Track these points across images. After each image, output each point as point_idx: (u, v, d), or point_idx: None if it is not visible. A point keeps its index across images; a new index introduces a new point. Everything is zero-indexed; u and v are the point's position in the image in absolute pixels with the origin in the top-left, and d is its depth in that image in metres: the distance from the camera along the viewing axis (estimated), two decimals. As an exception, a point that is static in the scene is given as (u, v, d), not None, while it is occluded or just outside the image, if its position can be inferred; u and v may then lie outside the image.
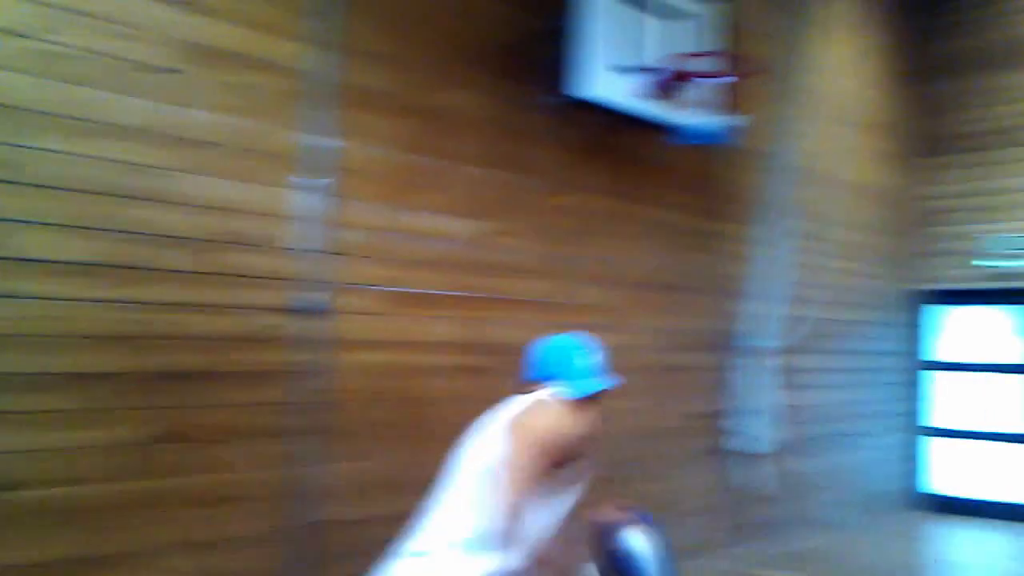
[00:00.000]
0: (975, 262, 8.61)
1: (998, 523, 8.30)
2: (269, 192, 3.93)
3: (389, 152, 4.42)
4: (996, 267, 8.44)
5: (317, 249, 4.08)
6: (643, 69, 5.35)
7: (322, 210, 4.10)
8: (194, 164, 3.69)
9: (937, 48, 8.96)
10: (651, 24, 5.45)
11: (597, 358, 3.02)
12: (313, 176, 4.07)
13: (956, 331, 9.00)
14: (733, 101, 5.68)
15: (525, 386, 3.06)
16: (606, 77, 5.19)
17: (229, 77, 3.80)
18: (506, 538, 2.61)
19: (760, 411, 6.52)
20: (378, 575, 2.87)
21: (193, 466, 3.65)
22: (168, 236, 3.60)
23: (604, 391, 2.94)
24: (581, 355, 3.01)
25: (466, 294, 4.75)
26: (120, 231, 3.49)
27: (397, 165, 4.46)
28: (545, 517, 2.80)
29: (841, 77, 7.70)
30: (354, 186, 4.26)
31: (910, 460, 8.86)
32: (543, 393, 2.90)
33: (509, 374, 4.91)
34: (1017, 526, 8.21)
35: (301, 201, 4.03)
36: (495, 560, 2.63)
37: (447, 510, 2.80)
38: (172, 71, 3.63)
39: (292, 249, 4.00)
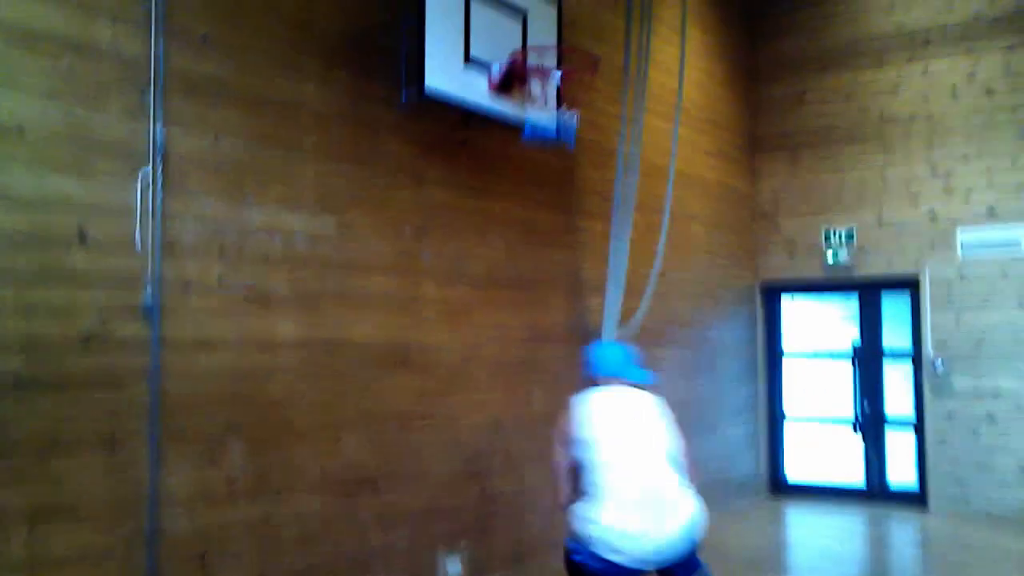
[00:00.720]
0: (816, 255, 9.04)
1: (841, 504, 8.75)
2: (93, 184, 3.67)
3: (227, 143, 4.23)
4: (832, 261, 8.89)
5: (151, 245, 3.85)
6: (488, 65, 5.34)
7: (154, 204, 3.88)
8: (9, 153, 3.41)
9: (771, 50, 9.38)
10: (497, 21, 5.44)
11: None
12: (142, 167, 3.84)
13: (798, 321, 9.44)
14: (576, 98, 5.74)
15: (603, 380, 4.25)
16: (454, 72, 5.15)
17: (45, 60, 3.54)
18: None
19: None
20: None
21: (15, 480, 3.37)
22: (-20, 232, 3.33)
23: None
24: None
25: (311, 291, 4.60)
26: (-76, 226, 3.19)
27: (236, 157, 4.27)
28: None
29: (688, 77, 7.93)
30: (188, 179, 4.05)
31: (763, 446, 9.21)
32: (643, 390, 4.22)
33: (357, 372, 4.81)
34: (856, 506, 8.67)
35: (130, 194, 3.80)
36: None
37: (664, 465, 4.03)
38: (-19, 53, 3.36)
39: (122, 245, 3.76)
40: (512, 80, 5.44)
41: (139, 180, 3.81)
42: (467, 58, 5.25)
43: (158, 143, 3.88)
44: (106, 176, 3.71)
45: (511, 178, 6.02)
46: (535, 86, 5.51)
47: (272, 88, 4.46)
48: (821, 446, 9.27)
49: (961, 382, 8.23)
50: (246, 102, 4.33)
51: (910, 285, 8.61)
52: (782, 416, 9.36)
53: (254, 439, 4.28)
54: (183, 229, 4.01)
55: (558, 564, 5.63)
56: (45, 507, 3.45)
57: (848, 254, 8.82)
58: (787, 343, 9.42)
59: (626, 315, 6.65)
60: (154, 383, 3.83)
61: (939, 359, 8.30)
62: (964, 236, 8.31)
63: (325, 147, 4.73)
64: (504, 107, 5.47)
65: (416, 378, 5.19)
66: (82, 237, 3.61)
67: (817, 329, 9.43)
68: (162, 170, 3.90)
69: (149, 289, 3.82)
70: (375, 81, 5.03)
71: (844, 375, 9.05)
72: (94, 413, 3.62)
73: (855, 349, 8.99)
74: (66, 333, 3.54)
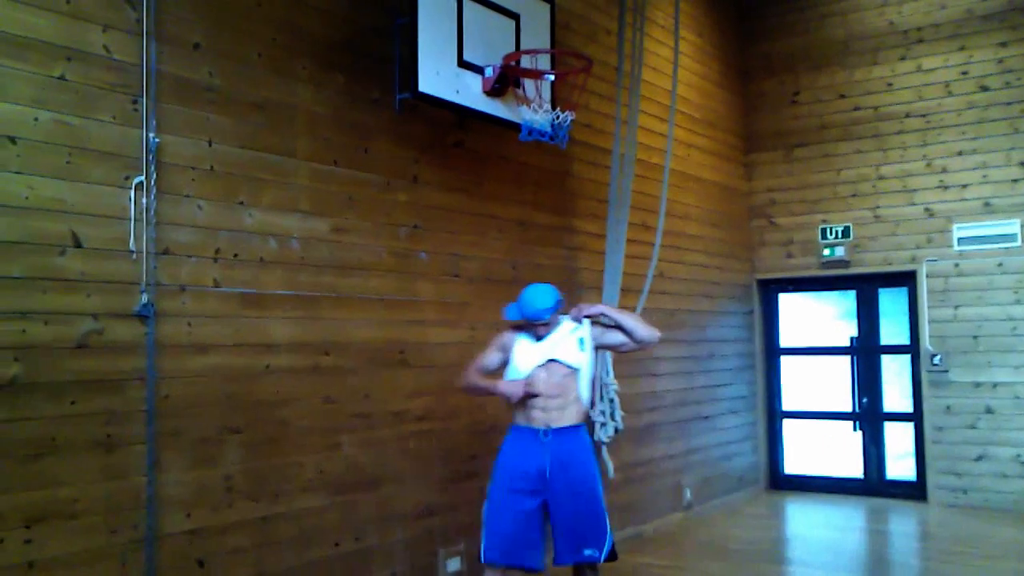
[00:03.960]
0: (812, 252, 9.07)
1: (840, 497, 8.77)
2: (86, 190, 3.71)
3: (220, 148, 4.27)
4: (827, 256, 8.91)
5: (145, 249, 3.89)
6: (482, 66, 5.38)
7: (148, 209, 3.92)
8: (2, 161, 3.45)
9: (764, 50, 9.41)
10: (490, 24, 5.48)
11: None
12: (135, 173, 3.88)
13: (796, 317, 9.47)
14: (570, 99, 5.78)
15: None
16: (447, 75, 5.19)
17: (37, 68, 3.57)
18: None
19: (607, 400, 6.63)
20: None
21: (12, 483, 3.41)
22: (-25, 238, 3.37)
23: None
24: None
25: (306, 293, 4.65)
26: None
27: (229, 161, 4.31)
28: None
29: (681, 77, 7.97)
30: (182, 183, 4.09)
31: (763, 441, 9.24)
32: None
33: (356, 372, 4.85)
34: (854, 499, 8.69)
35: (123, 199, 3.84)
36: None
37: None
38: (-25, 62, 3.40)
39: (117, 250, 3.80)
40: (506, 82, 5.48)
41: (132, 185, 3.86)
42: (460, 60, 5.29)
43: (151, 148, 3.93)
44: (99, 182, 3.76)
45: (506, 179, 6.06)
46: (529, 88, 5.55)
47: (265, 92, 4.50)
48: (819, 441, 9.29)
49: (959, 375, 8.25)
50: (239, 107, 4.37)
51: (907, 280, 8.64)
52: (780, 411, 9.38)
53: (251, 441, 4.32)
54: (177, 233, 4.05)
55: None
56: (42, 510, 3.49)
57: (844, 250, 8.85)
58: (785, 339, 9.44)
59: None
60: (150, 386, 3.87)
61: (937, 354, 8.32)
62: (960, 230, 8.33)
63: (319, 150, 4.77)
64: (498, 109, 5.51)
65: (413, 378, 5.23)
66: (76, 242, 3.66)
67: (815, 325, 9.45)
68: (155, 175, 3.95)
69: (144, 293, 3.87)
70: (369, 84, 5.07)
71: (842, 370, 9.07)
72: (90, 416, 3.66)
73: (853, 344, 9.02)
74: (61, 337, 3.59)
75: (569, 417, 4.35)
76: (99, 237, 3.74)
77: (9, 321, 3.43)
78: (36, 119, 3.56)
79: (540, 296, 4.36)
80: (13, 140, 3.48)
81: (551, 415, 4.30)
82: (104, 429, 3.71)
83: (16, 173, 3.49)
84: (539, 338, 4.41)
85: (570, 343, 4.40)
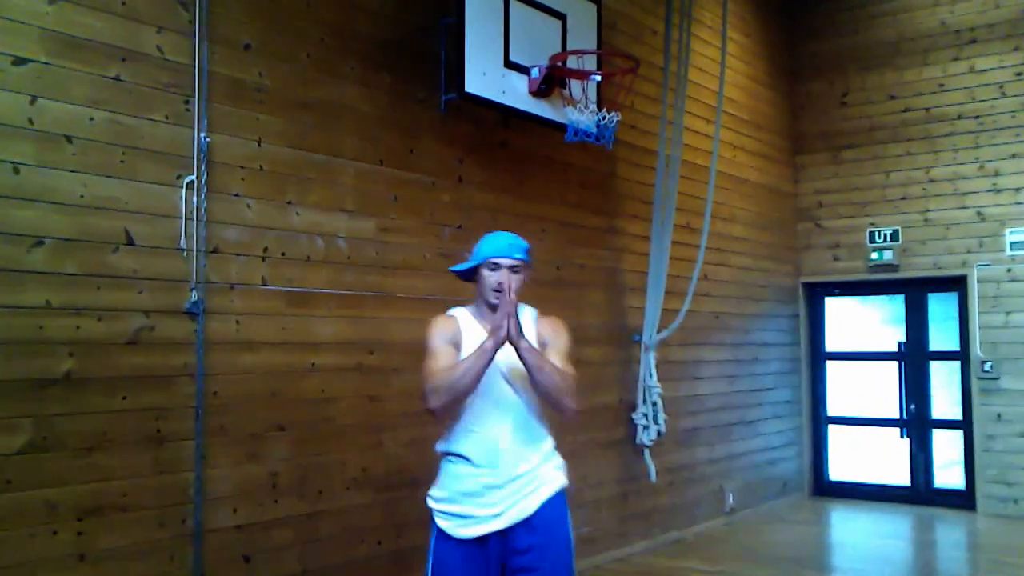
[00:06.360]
0: (860, 255, 8.94)
1: (886, 505, 8.63)
2: (139, 188, 3.77)
3: (269, 147, 4.31)
4: (874, 260, 8.78)
5: (195, 247, 3.94)
6: (528, 67, 5.38)
7: (198, 207, 3.97)
8: (58, 160, 3.52)
9: (812, 50, 9.29)
10: (537, 24, 5.48)
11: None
12: (187, 172, 3.94)
13: (840, 321, 9.34)
14: (616, 100, 5.76)
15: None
16: (494, 75, 5.20)
17: (92, 69, 3.64)
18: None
19: (649, 403, 6.61)
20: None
21: (66, 476, 3.48)
22: (30, 235, 3.43)
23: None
24: None
25: (353, 292, 4.67)
26: (-21, 230, 3.30)
27: (278, 161, 4.35)
28: None
29: (728, 78, 7.90)
30: (232, 182, 4.14)
31: (807, 447, 9.12)
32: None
33: (399, 371, 4.87)
34: (900, 507, 8.55)
35: (175, 198, 3.89)
36: None
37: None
38: (34, 62, 3.46)
39: (168, 248, 3.86)
40: (552, 83, 5.48)
41: (183, 184, 3.91)
42: (507, 61, 5.29)
43: (202, 148, 3.98)
44: (152, 181, 3.81)
45: (551, 179, 6.05)
46: (575, 88, 5.54)
47: (313, 92, 4.54)
48: (865, 447, 9.16)
49: (1010, 383, 8.08)
50: (288, 107, 4.41)
51: (957, 285, 8.48)
52: (825, 416, 9.26)
53: (296, 438, 4.35)
54: (227, 231, 4.10)
55: (592, 559, 5.64)
56: (94, 502, 3.56)
57: (893, 254, 8.71)
58: (831, 343, 9.32)
59: (667, 316, 6.64)
60: (199, 382, 3.92)
61: (988, 360, 8.16)
62: (1013, 235, 8.16)
63: (365, 150, 4.80)
64: (544, 109, 5.51)
65: (456, 378, 5.23)
66: (129, 240, 3.71)
67: (861, 329, 9.32)
68: (206, 174, 4.00)
69: (194, 290, 3.92)
70: (415, 84, 5.09)
71: (889, 376, 8.93)
72: (141, 411, 3.72)
73: (901, 349, 8.87)
74: (114, 333, 3.65)
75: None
76: (151, 235, 3.80)
77: (64, 316, 3.50)
78: (91, 119, 3.62)
79: (508, 235, 3.36)
80: (69, 139, 3.55)
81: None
82: (154, 424, 3.76)
83: (72, 172, 3.55)
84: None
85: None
